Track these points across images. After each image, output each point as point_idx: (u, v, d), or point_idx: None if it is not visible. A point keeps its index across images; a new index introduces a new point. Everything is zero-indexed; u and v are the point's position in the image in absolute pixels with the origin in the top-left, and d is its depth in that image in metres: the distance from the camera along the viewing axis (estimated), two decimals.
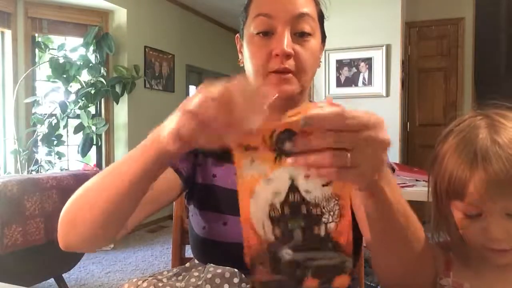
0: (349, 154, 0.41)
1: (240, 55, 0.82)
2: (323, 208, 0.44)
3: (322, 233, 0.44)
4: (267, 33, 0.73)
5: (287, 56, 0.71)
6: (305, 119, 0.40)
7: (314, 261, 0.44)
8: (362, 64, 3.81)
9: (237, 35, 0.84)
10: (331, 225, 0.44)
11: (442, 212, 0.63)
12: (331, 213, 0.44)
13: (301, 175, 0.43)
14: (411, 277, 0.63)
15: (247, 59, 0.77)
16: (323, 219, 0.44)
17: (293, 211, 0.44)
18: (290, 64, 0.72)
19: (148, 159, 0.54)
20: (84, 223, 0.61)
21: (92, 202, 0.60)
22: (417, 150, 4.75)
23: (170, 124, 0.48)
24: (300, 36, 0.74)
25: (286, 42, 0.71)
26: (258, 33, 0.74)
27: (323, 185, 0.44)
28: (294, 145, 0.42)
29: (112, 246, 3.65)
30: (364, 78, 3.81)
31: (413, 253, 0.60)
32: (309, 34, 0.74)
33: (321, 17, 0.79)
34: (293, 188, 0.44)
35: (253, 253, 0.44)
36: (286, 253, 0.44)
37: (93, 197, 0.60)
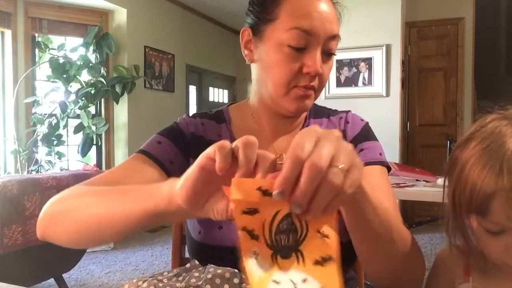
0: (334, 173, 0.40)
1: (246, 51, 0.79)
2: None
3: None
4: (300, 48, 0.71)
5: (317, 75, 0.73)
6: (278, 191, 0.39)
7: None
8: (362, 64, 3.81)
9: (245, 28, 0.79)
10: None
11: (459, 222, 0.59)
12: None
13: (299, 278, 0.42)
14: (403, 277, 0.64)
15: (269, 66, 0.74)
16: None
17: None
18: (316, 82, 0.74)
19: (149, 212, 0.51)
20: (68, 233, 0.62)
21: (79, 222, 0.60)
22: (417, 150, 4.75)
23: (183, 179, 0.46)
24: (326, 55, 0.74)
25: (319, 62, 0.71)
26: (290, 45, 0.71)
27: None
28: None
29: (112, 246, 3.65)
30: (364, 78, 3.81)
31: (399, 252, 0.61)
32: (333, 54, 0.75)
33: None
34: None
35: None
36: None
37: (80, 219, 0.60)
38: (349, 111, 0.87)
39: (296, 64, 0.72)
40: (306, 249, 0.42)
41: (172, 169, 0.76)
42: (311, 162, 0.39)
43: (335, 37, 0.73)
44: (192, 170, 0.44)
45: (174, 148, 0.78)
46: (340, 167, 0.40)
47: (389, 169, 0.81)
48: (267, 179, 0.41)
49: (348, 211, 0.55)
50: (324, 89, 3.48)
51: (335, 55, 0.76)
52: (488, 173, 0.53)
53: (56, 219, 0.63)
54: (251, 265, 0.41)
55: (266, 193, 0.40)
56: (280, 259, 0.41)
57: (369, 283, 2.61)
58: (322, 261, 0.42)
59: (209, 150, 0.43)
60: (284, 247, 0.42)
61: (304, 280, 0.41)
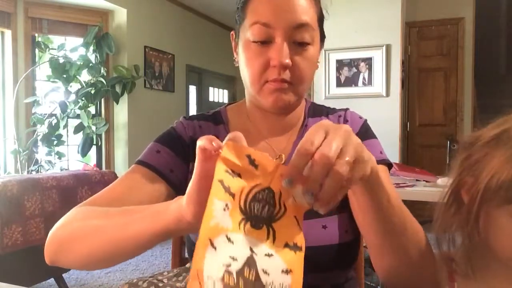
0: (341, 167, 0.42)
1: (235, 54, 0.81)
2: None
3: None
4: (264, 42, 0.71)
5: (285, 67, 0.71)
6: (288, 180, 0.41)
7: None
8: (362, 64, 3.81)
9: (232, 32, 0.81)
10: None
11: (469, 216, 0.59)
12: None
13: (262, 250, 0.41)
14: (413, 273, 0.64)
15: (243, 66, 0.75)
16: None
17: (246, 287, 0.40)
18: (287, 75, 0.72)
19: (161, 231, 0.52)
20: (79, 259, 0.62)
21: (89, 247, 0.60)
22: (417, 150, 4.75)
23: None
24: (299, 45, 0.72)
25: (284, 53, 0.70)
26: (254, 41, 0.72)
27: (283, 271, 0.41)
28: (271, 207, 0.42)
29: None
30: (364, 78, 3.81)
31: (411, 245, 0.61)
32: (308, 44, 0.73)
33: (321, 19, 0.78)
34: (251, 262, 0.40)
35: None
36: None
37: (91, 244, 0.60)
38: (347, 109, 0.87)
39: (263, 58, 0.71)
40: (279, 228, 0.42)
41: (173, 178, 0.76)
42: (321, 153, 0.42)
43: (302, 26, 0.71)
44: (192, 183, 0.45)
45: (173, 156, 0.78)
46: (346, 159, 0.43)
47: (390, 166, 0.80)
48: (258, 151, 0.42)
49: (364, 199, 0.56)
50: (324, 89, 3.49)
51: (310, 44, 0.73)
52: None
53: (65, 245, 0.63)
54: (216, 208, 0.40)
55: (252, 162, 0.42)
56: (249, 227, 0.41)
57: (369, 283, 2.61)
58: (293, 247, 0.42)
59: (199, 155, 0.43)
60: (256, 217, 0.41)
61: (269, 255, 0.41)
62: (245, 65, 0.75)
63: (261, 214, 0.42)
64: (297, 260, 0.42)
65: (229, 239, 0.40)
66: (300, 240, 0.42)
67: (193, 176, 0.45)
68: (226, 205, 0.40)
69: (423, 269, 0.64)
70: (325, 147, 0.42)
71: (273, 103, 0.73)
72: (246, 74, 0.75)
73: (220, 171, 0.41)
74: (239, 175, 0.42)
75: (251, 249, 0.41)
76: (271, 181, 0.42)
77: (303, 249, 0.42)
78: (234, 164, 0.41)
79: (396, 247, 0.61)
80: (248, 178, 0.42)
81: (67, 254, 0.63)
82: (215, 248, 0.39)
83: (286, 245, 0.42)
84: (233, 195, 0.41)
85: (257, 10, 0.72)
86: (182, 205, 0.47)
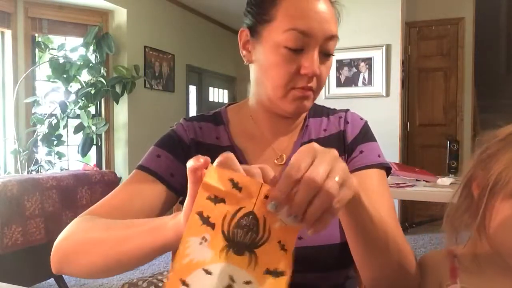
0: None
1: (244, 52, 0.79)
2: None
3: None
4: (297, 49, 0.70)
5: (315, 76, 0.72)
6: (273, 203, 0.41)
7: None
8: (362, 64, 3.81)
9: (242, 29, 0.78)
10: None
11: (478, 210, 0.61)
12: None
13: (242, 278, 0.41)
14: (394, 284, 0.65)
15: (265, 67, 0.73)
16: None
17: None
18: (314, 83, 0.73)
19: (159, 244, 0.53)
20: (84, 271, 0.63)
21: (91, 259, 0.61)
22: (417, 150, 4.75)
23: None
24: (324, 55, 0.73)
25: (316, 63, 0.70)
26: (287, 47, 0.70)
27: None
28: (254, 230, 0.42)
29: None
30: (364, 78, 3.81)
31: (394, 262, 0.62)
32: (331, 54, 0.74)
33: None
34: None
35: None
36: None
37: (92, 257, 0.61)
38: (348, 110, 0.87)
39: (294, 65, 0.71)
40: (262, 254, 0.42)
41: (173, 182, 0.76)
42: (308, 177, 0.41)
43: (333, 37, 0.72)
44: (187, 203, 0.45)
45: (174, 160, 0.78)
46: (336, 179, 0.43)
47: (389, 169, 0.80)
48: (241, 174, 0.42)
49: (345, 217, 0.57)
50: (324, 89, 3.48)
51: (334, 55, 0.75)
52: None
53: (68, 257, 0.64)
54: (191, 245, 0.40)
55: (236, 185, 0.41)
56: (231, 254, 0.41)
57: None
58: (274, 273, 0.42)
59: (190, 178, 0.44)
60: (239, 243, 0.41)
61: (247, 282, 0.41)
62: (268, 68, 0.73)
63: (243, 241, 0.41)
64: (278, 286, 0.42)
65: (206, 271, 0.40)
66: (283, 265, 0.42)
67: (187, 197, 0.45)
68: (203, 237, 0.41)
69: (406, 281, 0.66)
70: (312, 172, 0.42)
71: (295, 109, 0.75)
72: (269, 77, 0.73)
73: (201, 199, 0.41)
74: (223, 200, 0.42)
75: (230, 278, 0.41)
76: (255, 203, 0.42)
77: (287, 273, 0.42)
78: (217, 189, 0.41)
79: (376, 265, 0.63)
80: (231, 202, 0.42)
81: (70, 266, 0.64)
82: (187, 286, 0.40)
83: (267, 271, 0.42)
84: (212, 225, 0.41)
85: (294, 15, 0.70)
86: (180, 222, 0.48)
